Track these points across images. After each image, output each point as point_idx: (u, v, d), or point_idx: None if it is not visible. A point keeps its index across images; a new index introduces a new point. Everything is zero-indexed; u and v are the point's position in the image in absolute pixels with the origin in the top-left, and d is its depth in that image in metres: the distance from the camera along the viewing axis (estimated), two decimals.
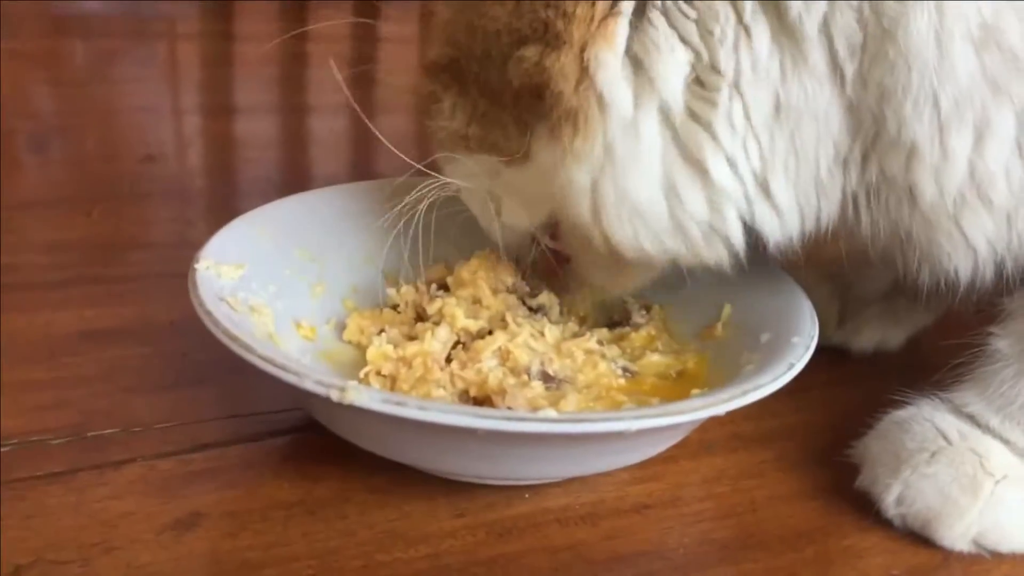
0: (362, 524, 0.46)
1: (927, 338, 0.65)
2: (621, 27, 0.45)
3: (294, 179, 0.93)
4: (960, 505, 0.46)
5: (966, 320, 0.53)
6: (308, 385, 0.42)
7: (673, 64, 0.45)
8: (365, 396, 0.41)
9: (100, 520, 0.45)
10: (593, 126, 0.45)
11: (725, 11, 0.44)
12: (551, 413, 0.42)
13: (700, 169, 0.46)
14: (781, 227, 0.48)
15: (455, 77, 0.50)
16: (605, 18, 0.45)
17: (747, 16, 0.43)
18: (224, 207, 0.84)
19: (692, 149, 0.46)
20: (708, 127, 0.45)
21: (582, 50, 0.45)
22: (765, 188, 0.46)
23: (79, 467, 0.48)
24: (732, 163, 0.46)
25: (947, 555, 0.47)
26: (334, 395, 0.41)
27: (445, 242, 0.57)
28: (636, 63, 0.45)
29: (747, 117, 0.45)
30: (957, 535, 0.47)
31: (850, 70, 0.43)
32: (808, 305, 0.53)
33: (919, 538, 0.48)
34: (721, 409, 0.43)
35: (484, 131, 0.50)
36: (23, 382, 0.54)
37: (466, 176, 0.52)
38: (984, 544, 0.47)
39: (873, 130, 0.45)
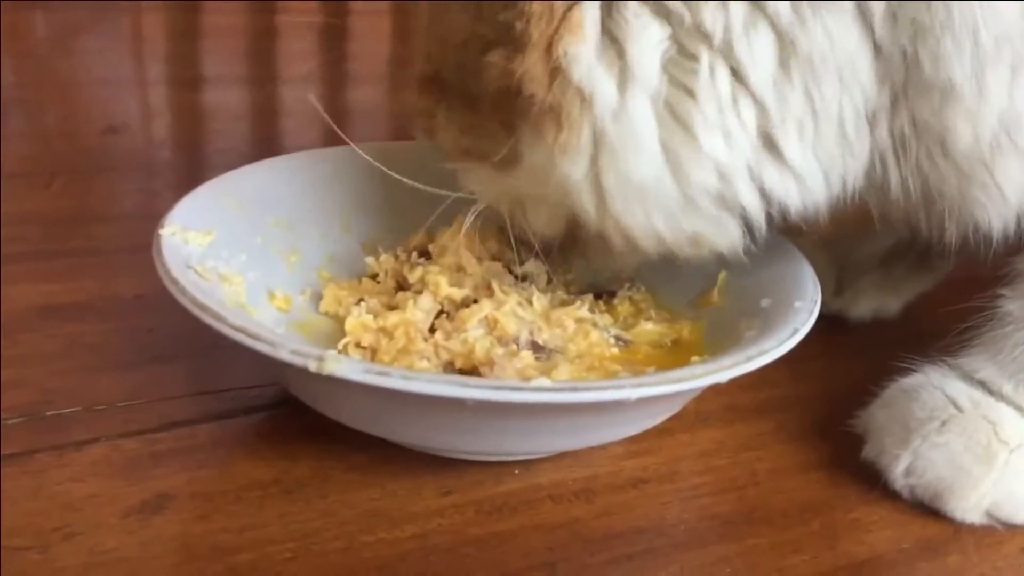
0: (343, 504, 0.44)
1: (925, 306, 0.63)
2: (589, 15, 0.42)
3: (264, 151, 0.88)
4: (973, 475, 0.44)
5: (962, 288, 0.51)
6: (283, 355, 0.39)
7: (648, 41, 0.42)
8: (345, 366, 0.38)
9: (60, 504, 0.42)
10: (576, 119, 0.42)
11: None
12: (545, 382, 0.39)
13: (693, 138, 0.43)
14: (801, 193, 0.45)
15: (441, 90, 0.48)
16: (570, 9, 0.41)
17: None
18: (191, 179, 0.79)
19: (683, 120, 0.43)
20: (692, 96, 0.42)
21: (547, 48, 0.42)
22: (774, 152, 0.43)
23: (37, 448, 0.45)
24: (725, 132, 0.43)
25: (958, 527, 0.45)
26: (311, 365, 0.38)
27: (424, 209, 0.54)
28: (609, 45, 0.42)
29: (737, 80, 0.42)
30: (970, 506, 0.45)
31: (879, 7, 0.40)
32: (809, 269, 0.50)
33: (929, 510, 0.45)
34: (725, 376, 0.41)
35: (474, 141, 0.47)
36: None
37: (483, 183, 0.49)
38: (998, 515, 0.45)
39: (903, 72, 0.42)
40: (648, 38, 0.42)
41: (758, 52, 0.41)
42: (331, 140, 0.94)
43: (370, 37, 1.26)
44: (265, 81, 1.08)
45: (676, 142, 0.43)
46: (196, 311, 0.41)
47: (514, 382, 0.41)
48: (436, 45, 0.47)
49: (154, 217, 0.50)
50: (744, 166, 0.44)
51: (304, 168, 0.58)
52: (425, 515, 0.43)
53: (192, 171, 0.83)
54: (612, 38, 0.42)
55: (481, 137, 0.47)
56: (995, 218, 0.45)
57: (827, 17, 0.40)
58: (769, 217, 0.46)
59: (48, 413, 0.48)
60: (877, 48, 0.41)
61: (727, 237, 0.46)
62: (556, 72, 0.42)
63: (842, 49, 0.41)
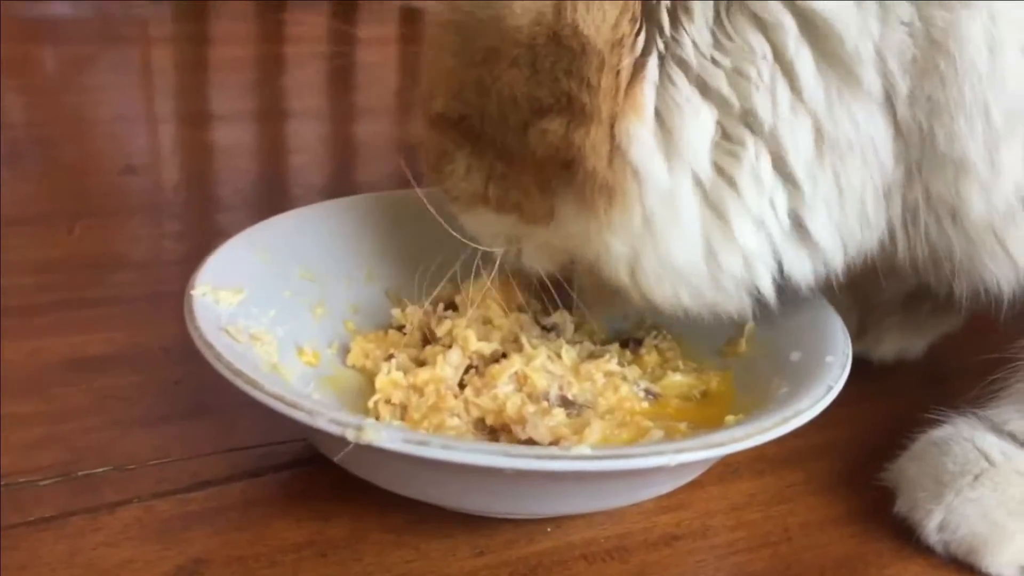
0: (378, 566, 0.44)
1: (951, 350, 0.63)
2: (648, 94, 0.43)
3: (277, 188, 0.90)
4: (1008, 530, 0.44)
5: (991, 332, 0.51)
6: (321, 424, 0.39)
7: (698, 126, 0.43)
8: (384, 435, 0.38)
9: (97, 571, 0.42)
10: (630, 198, 0.44)
11: (762, 48, 0.42)
12: (584, 449, 0.39)
13: (728, 227, 0.45)
14: (816, 268, 0.47)
15: (466, 135, 0.47)
16: (630, 85, 0.42)
17: (790, 49, 0.41)
18: (208, 220, 0.81)
19: (720, 208, 0.44)
20: (732, 184, 0.44)
21: (611, 124, 0.42)
22: (800, 232, 0.45)
23: (71, 511, 0.45)
24: (758, 220, 0.45)
25: None
26: (350, 435, 0.38)
27: (449, 260, 0.54)
28: (662, 126, 0.43)
29: (778, 165, 0.44)
30: (1005, 562, 0.44)
31: (903, 88, 0.42)
32: (838, 320, 0.50)
33: (964, 565, 0.45)
34: (763, 439, 0.41)
35: (504, 192, 0.47)
36: (10, 416, 0.51)
37: (484, 226, 0.50)
38: None
39: (920, 149, 0.43)
40: (699, 123, 0.43)
41: (800, 137, 0.43)
42: (342, 176, 0.96)
43: (378, 68, 1.27)
44: (275, 116, 1.08)
45: (712, 228, 0.45)
46: (232, 377, 0.42)
47: (553, 450, 0.41)
48: (474, 91, 0.46)
49: (174, 263, 0.50)
50: (769, 251, 0.45)
51: (328, 218, 0.58)
52: None
53: (208, 212, 0.83)
54: (662, 120, 0.43)
55: (512, 190, 0.47)
56: (1004, 281, 0.46)
57: (853, 103, 0.42)
58: (780, 290, 0.47)
59: (80, 473, 0.48)
60: (898, 128, 0.43)
61: (740, 306, 0.48)
62: (616, 150, 0.42)
63: (866, 132, 0.43)
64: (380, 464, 0.43)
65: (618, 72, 0.42)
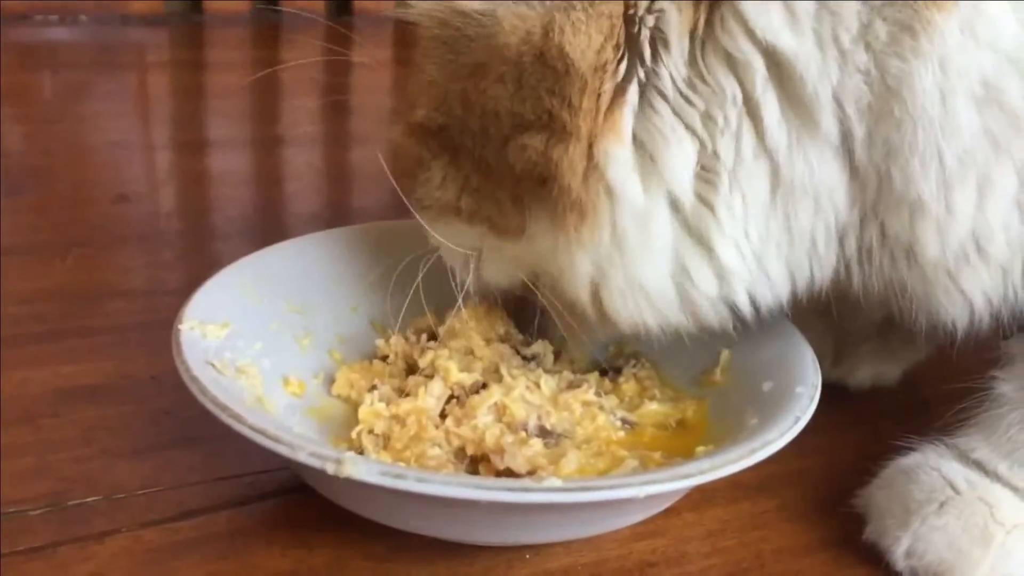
0: None
1: (925, 378, 0.64)
2: (627, 117, 0.44)
3: (271, 217, 0.91)
4: (972, 557, 0.45)
5: (963, 361, 0.52)
6: (303, 458, 0.40)
7: (680, 154, 0.45)
8: (363, 468, 0.39)
9: None
10: (601, 216, 0.45)
11: (732, 90, 0.44)
12: (555, 482, 0.40)
13: (708, 250, 0.46)
14: (772, 296, 0.49)
15: (444, 146, 0.49)
16: (611, 108, 0.44)
17: (758, 90, 0.43)
18: (201, 249, 0.82)
19: (701, 232, 0.46)
20: (713, 211, 0.46)
21: (590, 144, 0.44)
22: (762, 264, 0.47)
23: (61, 540, 0.46)
24: (737, 245, 0.46)
25: None
26: (330, 468, 0.40)
27: (433, 290, 0.55)
28: (641, 150, 0.45)
29: (744, 203, 0.45)
30: None
31: (859, 132, 0.43)
32: (809, 351, 0.52)
33: None
34: (730, 470, 0.42)
35: (477, 204, 0.49)
36: (1, 446, 0.52)
37: (451, 236, 0.51)
38: None
39: (876, 190, 0.45)
40: (682, 151, 0.44)
41: (756, 180, 0.45)
42: (337, 204, 0.97)
43: (372, 92, 1.28)
44: (270, 143, 1.10)
45: (688, 250, 0.46)
46: (216, 411, 0.43)
47: (525, 483, 0.43)
48: (458, 103, 0.47)
49: (165, 292, 0.51)
50: (746, 273, 0.47)
51: (314, 250, 0.60)
52: None
53: (201, 241, 0.84)
54: (642, 145, 0.45)
55: (486, 203, 0.49)
56: (959, 318, 0.48)
57: (810, 148, 0.44)
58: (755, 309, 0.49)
59: (70, 503, 0.49)
60: (854, 170, 0.44)
61: (713, 323, 0.49)
62: (592, 168, 0.44)
63: (820, 177, 0.45)
64: (362, 495, 0.44)
65: (599, 95, 0.44)
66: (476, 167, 0.48)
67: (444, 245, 0.52)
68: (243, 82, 1.17)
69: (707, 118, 0.44)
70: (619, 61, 0.44)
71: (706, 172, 0.45)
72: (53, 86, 1.26)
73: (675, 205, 0.46)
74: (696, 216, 0.46)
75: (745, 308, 0.48)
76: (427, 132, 0.49)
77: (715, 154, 0.45)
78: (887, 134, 0.43)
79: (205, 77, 1.33)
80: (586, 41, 0.43)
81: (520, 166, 0.46)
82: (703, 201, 0.46)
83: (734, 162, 0.44)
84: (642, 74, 0.44)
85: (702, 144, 0.45)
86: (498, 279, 0.52)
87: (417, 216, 0.53)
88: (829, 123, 0.43)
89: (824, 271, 0.48)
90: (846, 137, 0.44)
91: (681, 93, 0.44)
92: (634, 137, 0.45)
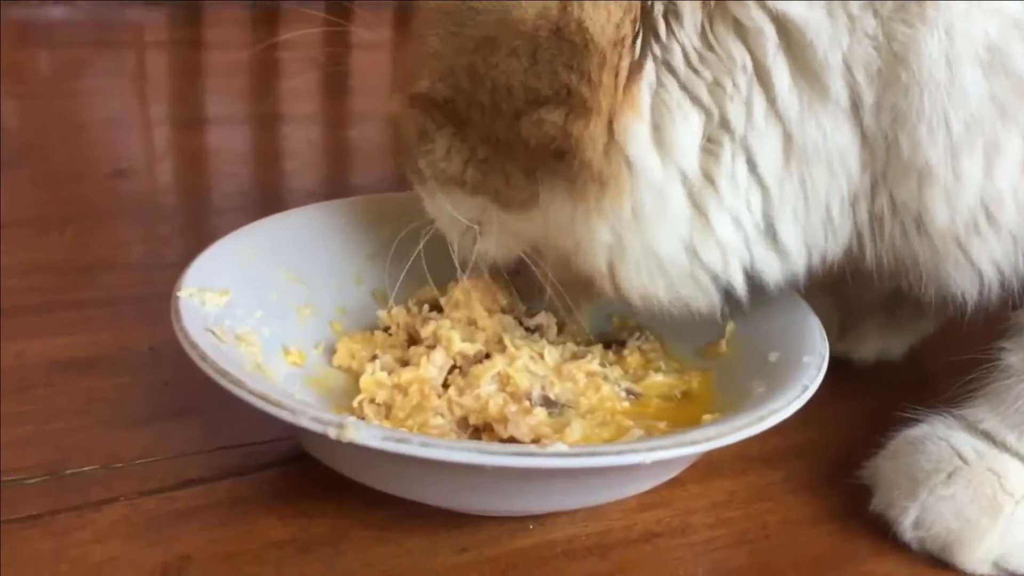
0: (360, 563, 0.44)
1: (930, 351, 0.63)
2: (645, 94, 0.44)
3: (270, 193, 0.90)
4: (980, 527, 0.45)
5: (968, 334, 0.51)
6: (304, 422, 0.40)
7: (687, 129, 0.45)
8: (365, 433, 0.39)
9: (83, 567, 0.43)
10: (622, 189, 0.45)
11: (743, 58, 0.43)
12: (561, 447, 0.40)
13: (707, 223, 0.46)
14: (783, 269, 0.48)
15: (450, 117, 0.48)
16: (628, 84, 0.44)
17: (769, 57, 0.43)
18: (199, 224, 0.82)
19: (702, 205, 0.46)
20: (713, 183, 0.45)
21: (610, 120, 0.44)
22: (771, 235, 0.47)
23: (58, 509, 0.46)
24: (735, 217, 0.46)
25: None
26: (332, 433, 0.39)
27: (435, 262, 0.54)
28: (655, 127, 0.45)
29: (752, 170, 0.45)
30: (977, 558, 0.45)
31: (868, 98, 0.43)
32: (816, 322, 0.51)
33: (938, 562, 0.46)
34: (737, 437, 0.41)
35: (483, 176, 0.48)
36: None
37: (452, 208, 0.50)
38: (1006, 567, 0.45)
39: (885, 158, 0.44)
40: (688, 126, 0.44)
41: (769, 145, 0.44)
42: (333, 181, 0.96)
43: (372, 73, 1.27)
44: (268, 120, 1.09)
45: (695, 224, 0.46)
46: (216, 377, 0.42)
47: (531, 448, 0.42)
48: (465, 76, 0.47)
49: (163, 265, 0.51)
50: (743, 248, 0.47)
51: (315, 221, 0.59)
52: (441, 573, 0.44)
53: (199, 216, 0.84)
54: (656, 118, 0.44)
55: (492, 175, 0.48)
56: (968, 289, 0.48)
57: (822, 113, 0.44)
58: (753, 288, 0.49)
59: (67, 472, 0.48)
60: (864, 137, 0.44)
61: (709, 303, 0.49)
62: (612, 143, 0.44)
63: (833, 141, 0.44)
64: (364, 461, 0.43)
65: (618, 71, 0.44)
66: (484, 139, 0.48)
67: (443, 216, 0.51)
68: (241, 56, 1.16)
69: (716, 86, 0.44)
70: (635, 37, 0.44)
71: (709, 144, 0.45)
72: (51, 64, 1.25)
73: (685, 178, 0.45)
74: (700, 188, 0.46)
75: (739, 285, 0.48)
76: (431, 103, 0.49)
77: (723, 122, 0.44)
78: (895, 100, 0.43)
79: (203, 56, 1.32)
80: (605, 15, 0.43)
81: (535, 140, 0.45)
82: (705, 173, 0.45)
83: (745, 127, 0.44)
84: (657, 50, 0.44)
85: (708, 116, 0.44)
86: (495, 252, 0.52)
87: (416, 188, 0.52)
88: (839, 89, 0.43)
89: (838, 241, 0.47)
90: (856, 103, 0.43)
91: (691, 65, 0.44)
92: (651, 114, 0.45)
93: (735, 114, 0.44)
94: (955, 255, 0.46)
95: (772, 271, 0.48)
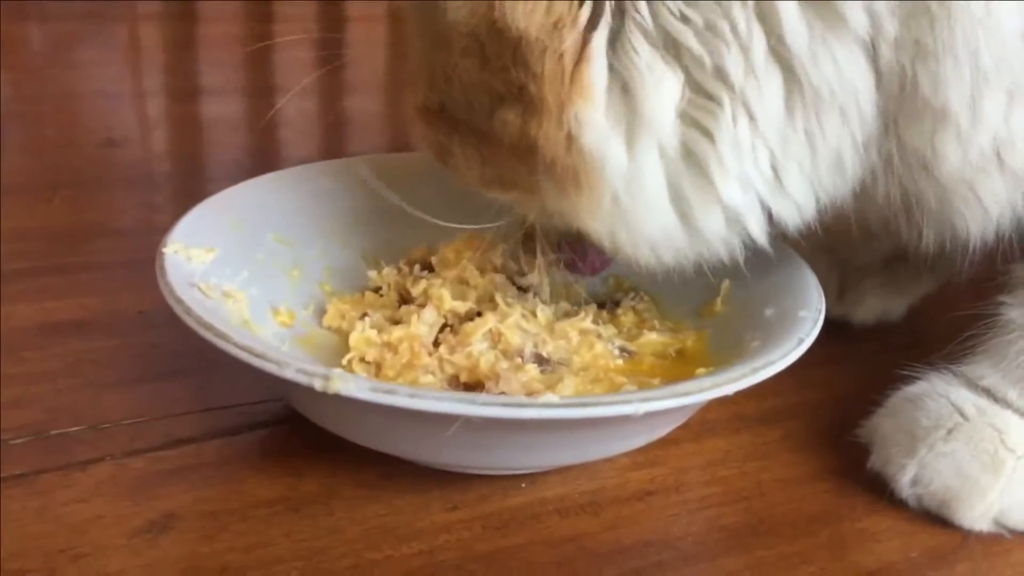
0: (350, 521, 0.44)
1: (927, 311, 0.63)
2: (596, 73, 0.40)
3: (263, 162, 0.89)
4: (980, 484, 0.44)
5: (966, 292, 0.51)
6: (289, 374, 0.39)
7: (663, 92, 0.41)
8: (352, 384, 0.38)
9: (67, 525, 0.42)
10: (595, 181, 0.42)
11: None
12: (552, 398, 0.39)
13: (710, 189, 0.43)
14: (800, 216, 0.45)
15: (450, 124, 0.46)
16: (577, 67, 0.40)
17: None
18: (191, 192, 0.80)
19: (698, 169, 0.43)
20: (711, 139, 0.42)
21: (561, 112, 0.41)
22: (779, 185, 0.44)
23: (43, 468, 0.45)
24: (742, 177, 0.43)
25: (967, 536, 0.45)
26: (318, 384, 0.38)
27: (423, 222, 0.53)
28: (619, 100, 0.41)
29: (753, 123, 0.42)
30: (977, 515, 0.44)
31: (890, 30, 0.40)
32: (813, 277, 0.50)
33: (936, 519, 0.45)
34: (731, 388, 0.41)
35: (498, 174, 0.46)
36: None
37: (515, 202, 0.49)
38: (1006, 523, 0.45)
39: (899, 98, 0.41)
40: (663, 90, 0.41)
41: (768, 94, 0.41)
42: (329, 150, 0.95)
43: (367, 45, 1.26)
44: (263, 92, 1.08)
45: (689, 188, 0.43)
46: (201, 331, 0.41)
47: (521, 399, 0.41)
48: (441, 79, 0.44)
49: (155, 231, 0.50)
50: (757, 203, 0.44)
51: (303, 182, 0.58)
52: (432, 531, 0.43)
53: (191, 184, 0.83)
54: (624, 88, 0.41)
55: (503, 169, 0.46)
56: (974, 227, 0.46)
57: (837, 46, 0.40)
58: (770, 234, 0.46)
59: (53, 432, 0.48)
60: (879, 75, 0.41)
61: (728, 251, 0.46)
62: (570, 137, 0.41)
63: (848, 79, 0.41)
64: (351, 416, 0.42)
65: (561, 55, 0.40)
66: (480, 140, 0.45)
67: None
68: (235, 29, 1.15)
69: (707, 31, 0.40)
70: (580, 8, 0.40)
71: (703, 98, 0.41)
72: (44, 37, 1.24)
73: (664, 150, 0.42)
74: (695, 147, 0.42)
75: (759, 234, 0.45)
76: (432, 114, 0.46)
77: (718, 72, 0.41)
78: (919, 34, 0.39)
79: (197, 29, 1.31)
80: (530, 5, 0.40)
81: (507, 139, 0.43)
82: (700, 129, 0.42)
83: (744, 75, 0.40)
84: (610, 16, 0.40)
85: (700, 65, 0.41)
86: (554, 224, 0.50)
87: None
88: (858, 18, 0.39)
89: (848, 185, 0.45)
90: (874, 37, 0.40)
91: (674, 14, 0.40)
92: (613, 81, 0.41)
93: (732, 61, 0.40)
94: (964, 194, 0.44)
95: (792, 218, 0.45)
